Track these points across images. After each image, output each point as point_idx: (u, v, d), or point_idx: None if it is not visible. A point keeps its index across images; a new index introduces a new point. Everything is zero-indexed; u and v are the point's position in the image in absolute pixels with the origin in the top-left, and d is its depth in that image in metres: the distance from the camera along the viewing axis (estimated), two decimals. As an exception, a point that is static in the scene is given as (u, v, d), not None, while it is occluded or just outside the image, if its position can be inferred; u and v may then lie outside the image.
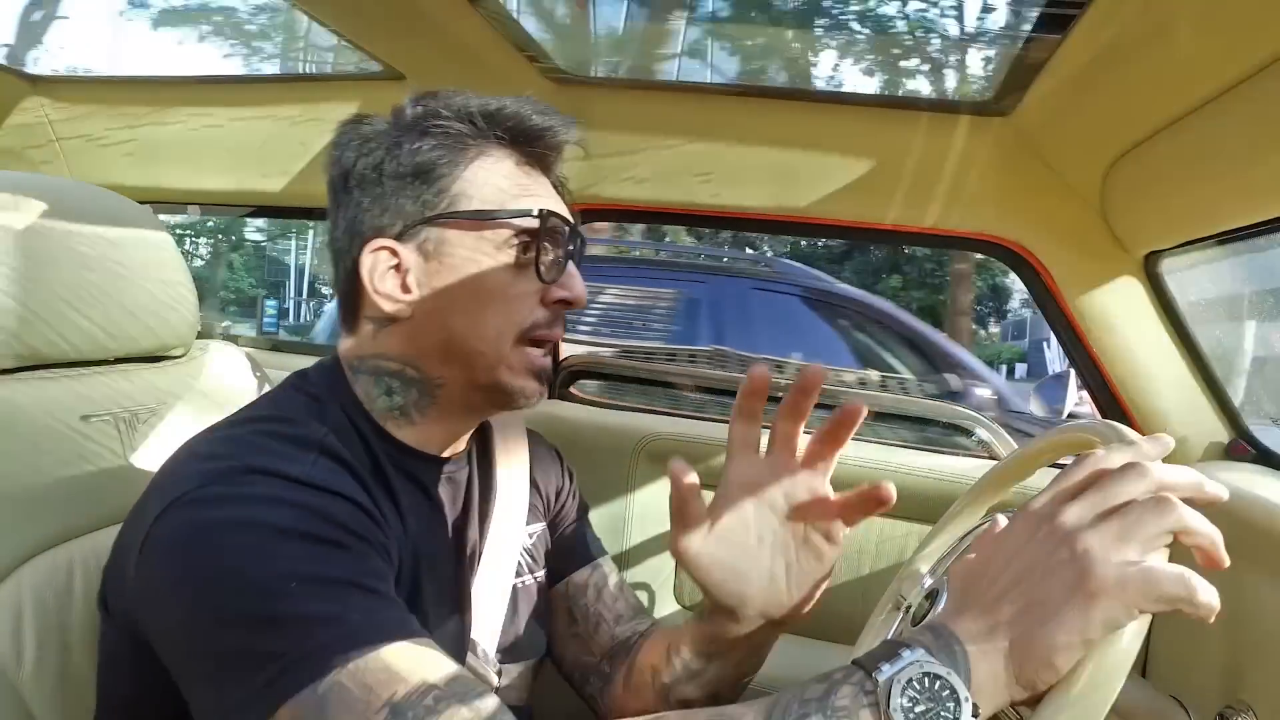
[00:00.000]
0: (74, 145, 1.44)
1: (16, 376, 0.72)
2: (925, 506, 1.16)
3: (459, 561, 0.74)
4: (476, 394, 0.70)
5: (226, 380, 0.94)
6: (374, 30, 1.06)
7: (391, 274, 0.67)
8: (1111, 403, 1.14)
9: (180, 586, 0.54)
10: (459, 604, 0.73)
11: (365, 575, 0.55)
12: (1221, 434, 1.09)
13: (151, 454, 0.80)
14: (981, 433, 1.31)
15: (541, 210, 0.67)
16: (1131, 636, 0.44)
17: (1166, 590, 0.44)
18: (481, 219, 0.66)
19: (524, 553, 0.82)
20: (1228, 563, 0.46)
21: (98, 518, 0.75)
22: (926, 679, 0.43)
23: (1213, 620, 0.44)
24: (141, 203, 0.86)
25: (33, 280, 0.71)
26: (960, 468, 1.22)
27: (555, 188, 0.74)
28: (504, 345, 0.67)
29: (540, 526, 0.87)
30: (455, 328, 0.67)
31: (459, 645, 0.71)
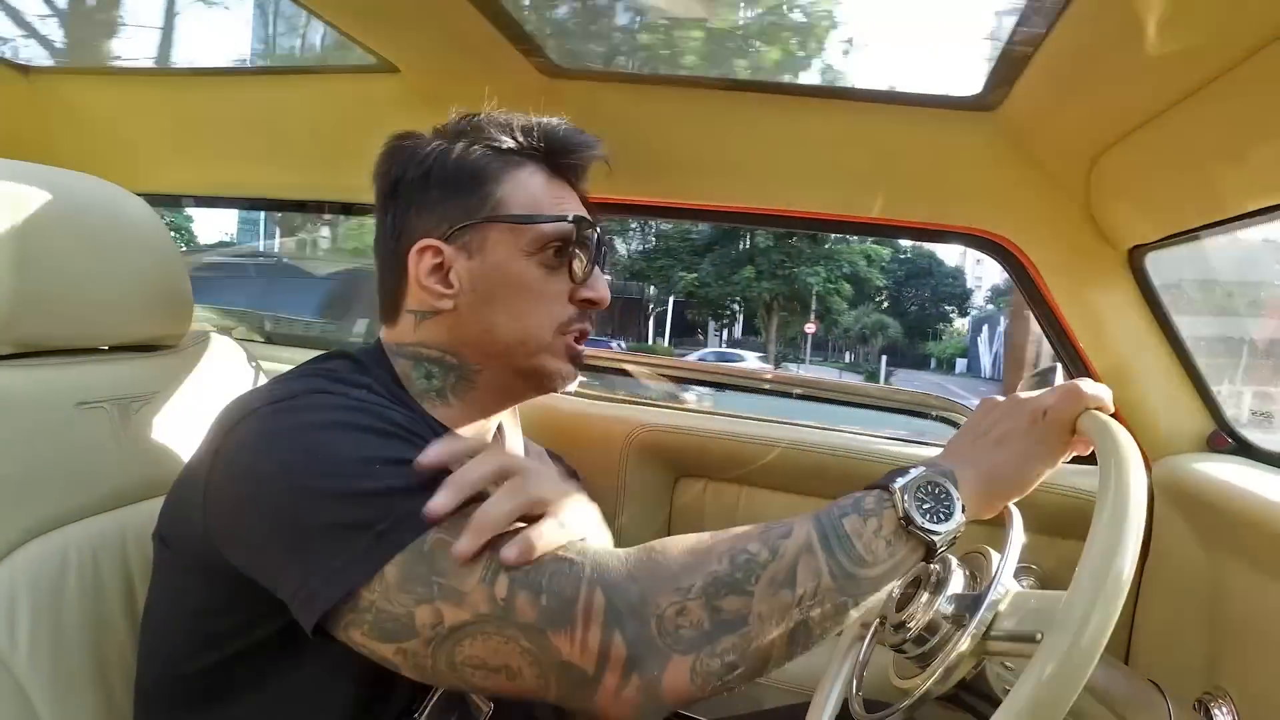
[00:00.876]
0: (67, 136, 1.44)
1: (12, 363, 0.72)
2: None
3: None
4: (516, 379, 0.77)
5: (220, 371, 0.94)
6: (368, 23, 1.06)
7: (437, 271, 0.74)
8: (1096, 395, 1.16)
9: (267, 479, 0.58)
10: None
11: None
12: (1203, 426, 1.10)
13: (143, 442, 0.81)
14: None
15: (575, 217, 0.74)
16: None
17: (1084, 392, 0.63)
18: (520, 223, 0.73)
19: None
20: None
21: (91, 504, 0.76)
22: (929, 485, 0.58)
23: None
24: (135, 194, 0.87)
25: (29, 269, 0.71)
26: None
27: (583, 201, 0.80)
28: (544, 335, 0.74)
29: None
30: (495, 321, 0.74)
31: None
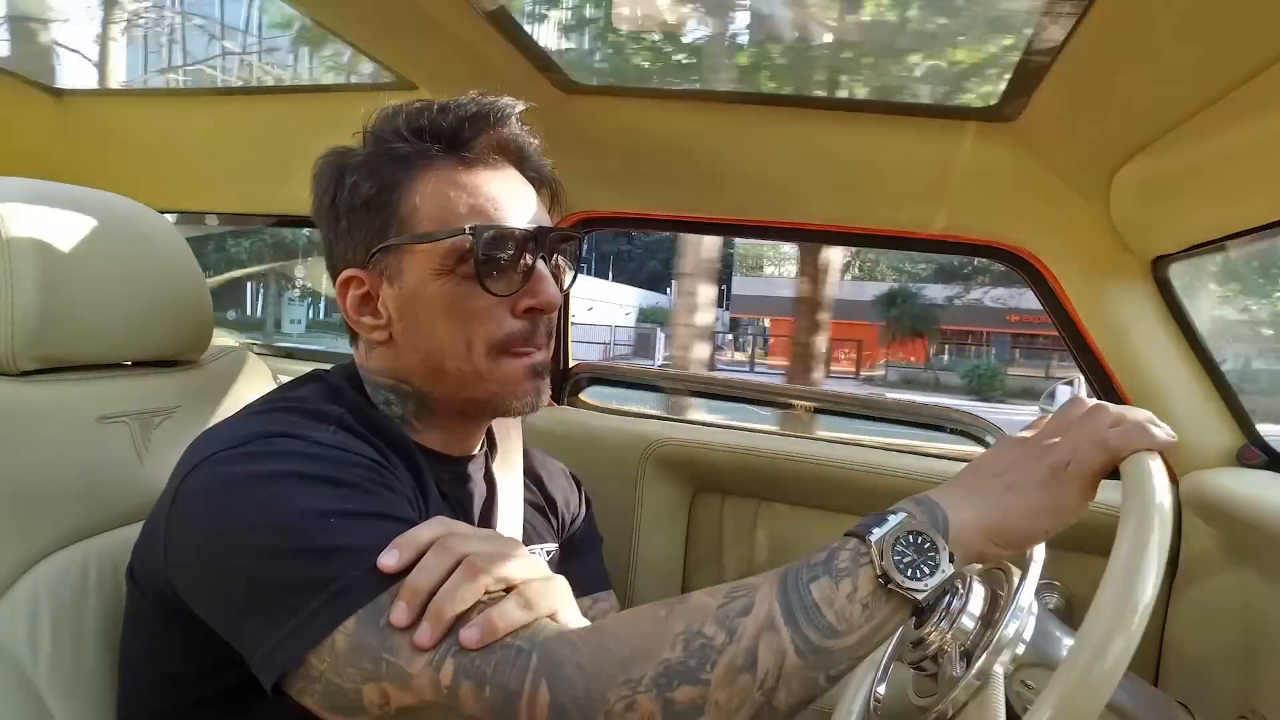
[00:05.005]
0: (96, 155, 1.47)
1: (37, 378, 0.74)
2: None
3: None
4: (471, 404, 0.71)
5: (240, 385, 0.95)
6: (387, 41, 1.08)
7: (365, 301, 0.70)
8: (1121, 409, 1.14)
9: (218, 532, 0.56)
10: None
11: (393, 508, 0.59)
12: (1233, 440, 1.08)
13: (165, 456, 0.82)
14: (991, 440, 1.30)
15: (474, 228, 0.65)
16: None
17: (1111, 444, 0.54)
18: (423, 241, 0.66)
19: None
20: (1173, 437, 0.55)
21: (112, 517, 0.77)
22: (910, 535, 0.52)
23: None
24: (159, 212, 0.88)
25: (55, 286, 0.73)
26: None
27: (537, 184, 0.73)
28: (479, 360, 0.68)
29: (555, 547, 0.87)
30: (430, 348, 0.68)
31: None
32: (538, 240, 0.68)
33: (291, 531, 0.54)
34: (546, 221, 0.72)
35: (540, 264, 0.68)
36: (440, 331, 0.67)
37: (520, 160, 0.72)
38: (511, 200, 0.68)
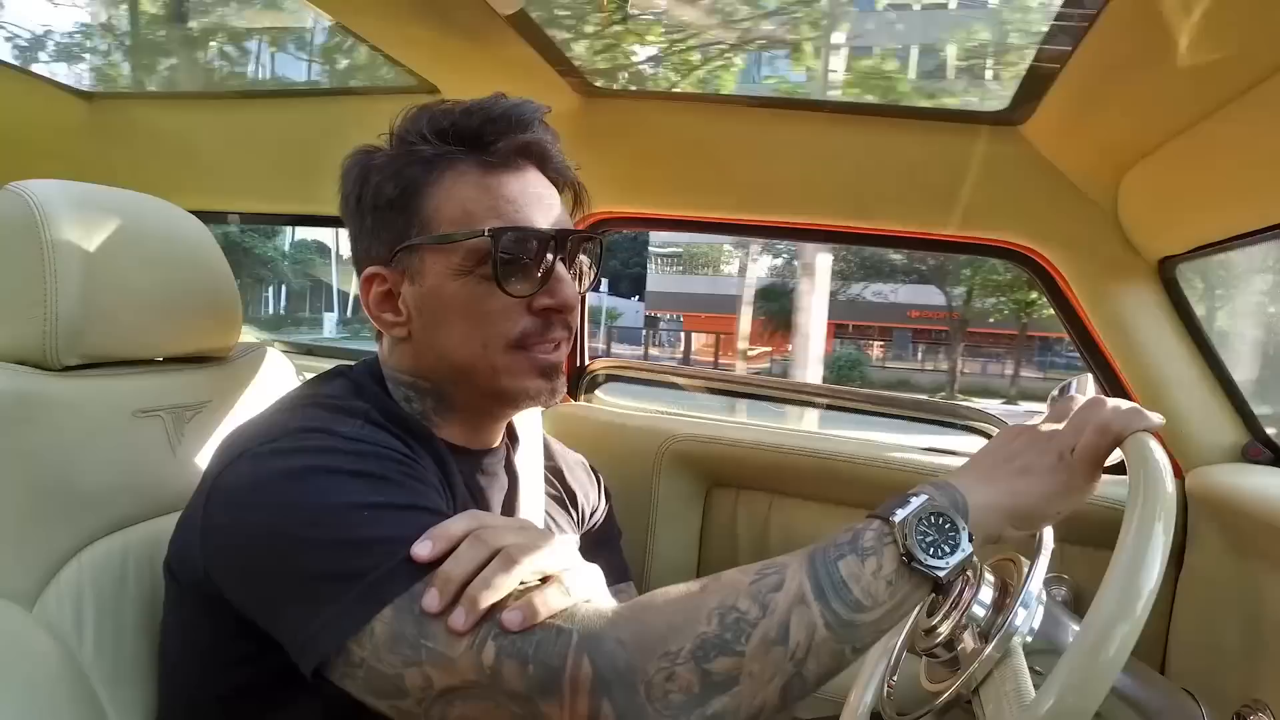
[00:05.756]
0: (125, 157, 1.50)
1: (76, 374, 0.76)
2: None
3: None
4: (487, 400, 0.73)
5: (266, 381, 0.98)
6: (411, 46, 1.10)
7: (386, 298, 0.71)
8: (1128, 406, 1.15)
9: (254, 525, 0.58)
10: None
11: (424, 499, 0.61)
12: (1238, 437, 1.09)
13: (197, 449, 0.84)
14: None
15: (493, 230, 0.66)
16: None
17: (1113, 429, 0.58)
18: (444, 242, 0.68)
19: None
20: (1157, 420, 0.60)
21: (148, 508, 0.79)
22: (933, 516, 0.54)
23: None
24: (189, 212, 0.91)
25: (95, 286, 0.75)
26: None
27: (558, 183, 0.74)
28: (494, 357, 0.69)
29: (575, 538, 0.89)
30: (446, 345, 0.70)
31: None
32: (557, 242, 0.69)
33: (326, 524, 0.56)
34: (567, 223, 0.73)
35: (559, 265, 0.69)
36: (457, 330, 0.69)
37: (543, 162, 0.73)
38: (532, 203, 0.70)
